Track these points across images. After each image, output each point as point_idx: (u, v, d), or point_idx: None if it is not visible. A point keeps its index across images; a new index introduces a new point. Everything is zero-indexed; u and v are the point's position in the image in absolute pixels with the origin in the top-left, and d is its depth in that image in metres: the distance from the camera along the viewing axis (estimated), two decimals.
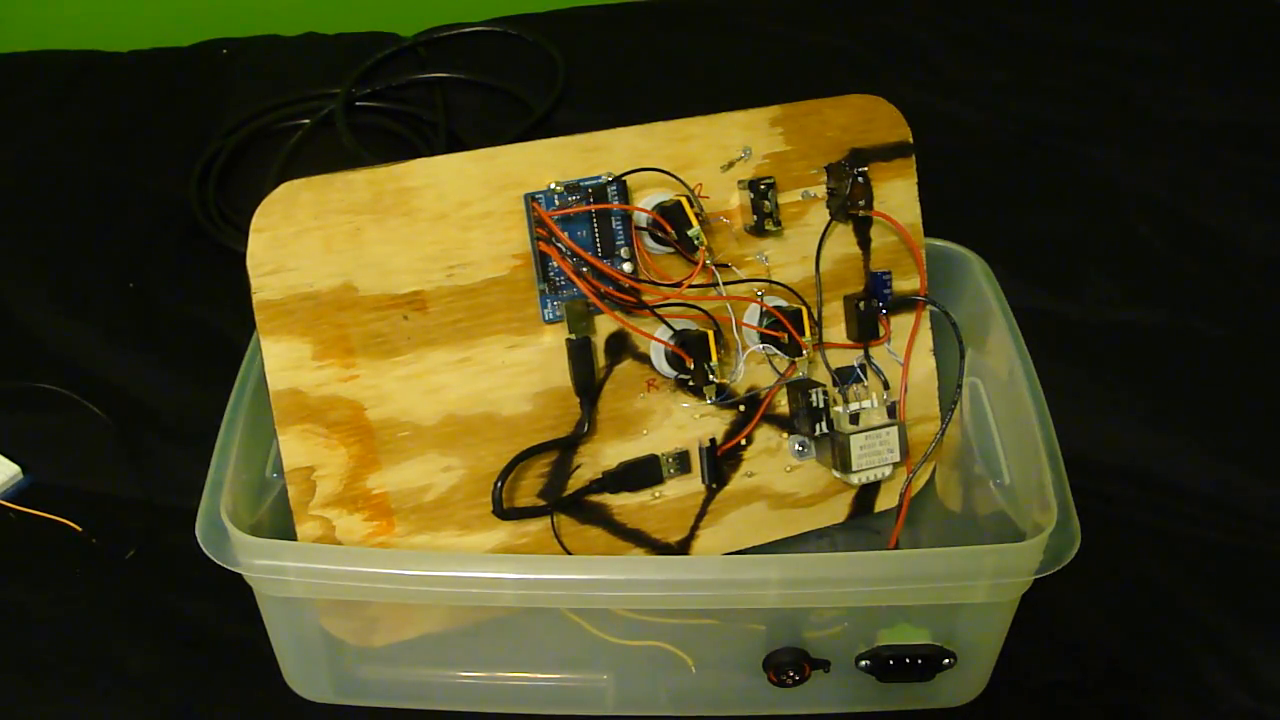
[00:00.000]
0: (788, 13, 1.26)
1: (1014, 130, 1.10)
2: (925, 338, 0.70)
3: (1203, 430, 0.82)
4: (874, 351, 0.69)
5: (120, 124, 1.10)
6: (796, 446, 0.68)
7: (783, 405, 0.67)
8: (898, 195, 0.68)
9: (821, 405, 0.66)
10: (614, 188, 0.61)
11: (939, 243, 0.72)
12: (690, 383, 0.64)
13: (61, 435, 0.81)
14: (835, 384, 0.68)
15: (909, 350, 0.69)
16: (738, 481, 0.67)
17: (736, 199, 0.65)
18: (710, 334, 0.63)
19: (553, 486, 0.63)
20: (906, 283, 0.69)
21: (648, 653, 0.61)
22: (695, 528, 0.67)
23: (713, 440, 0.66)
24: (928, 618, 0.60)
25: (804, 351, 0.65)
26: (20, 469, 0.78)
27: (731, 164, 0.64)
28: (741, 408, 0.66)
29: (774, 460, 0.68)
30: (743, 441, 0.67)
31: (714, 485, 0.66)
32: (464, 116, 1.12)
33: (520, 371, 0.62)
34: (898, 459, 0.67)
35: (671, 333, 0.63)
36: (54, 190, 1.03)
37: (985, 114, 1.11)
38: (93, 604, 0.71)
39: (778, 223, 0.65)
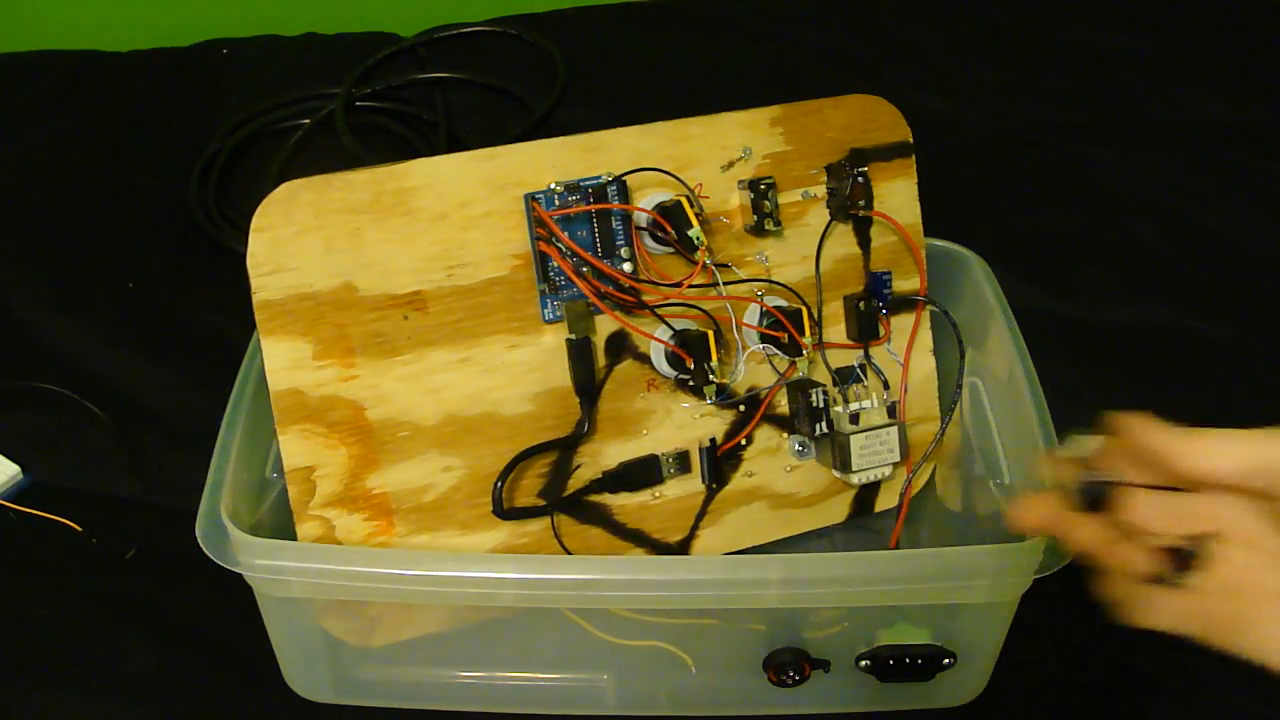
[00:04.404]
0: (788, 13, 1.26)
1: (1014, 130, 1.10)
2: (925, 338, 0.70)
3: None
4: (874, 351, 0.69)
5: (120, 124, 1.10)
6: (796, 446, 0.68)
7: (783, 405, 0.67)
8: (898, 195, 0.68)
9: (821, 405, 0.66)
10: (614, 188, 0.61)
11: (939, 243, 0.72)
12: (690, 383, 0.64)
13: (61, 435, 0.81)
14: (835, 384, 0.68)
15: (909, 350, 0.69)
16: (738, 481, 0.67)
17: (736, 199, 0.65)
18: (710, 334, 0.63)
19: (553, 486, 0.63)
20: (906, 283, 0.69)
21: (648, 653, 0.61)
22: (695, 528, 0.67)
23: (713, 440, 0.66)
24: (928, 618, 0.60)
25: (804, 351, 0.65)
26: (20, 469, 0.78)
27: (731, 164, 0.64)
28: (741, 408, 0.66)
29: (774, 460, 0.68)
30: (743, 441, 0.67)
31: (714, 485, 0.66)
32: (464, 116, 1.12)
33: (520, 371, 0.62)
34: (898, 459, 0.67)
35: (671, 333, 0.63)
36: (54, 190, 1.03)
37: (985, 114, 1.11)
38: (93, 604, 0.71)
39: (778, 223, 0.65)
